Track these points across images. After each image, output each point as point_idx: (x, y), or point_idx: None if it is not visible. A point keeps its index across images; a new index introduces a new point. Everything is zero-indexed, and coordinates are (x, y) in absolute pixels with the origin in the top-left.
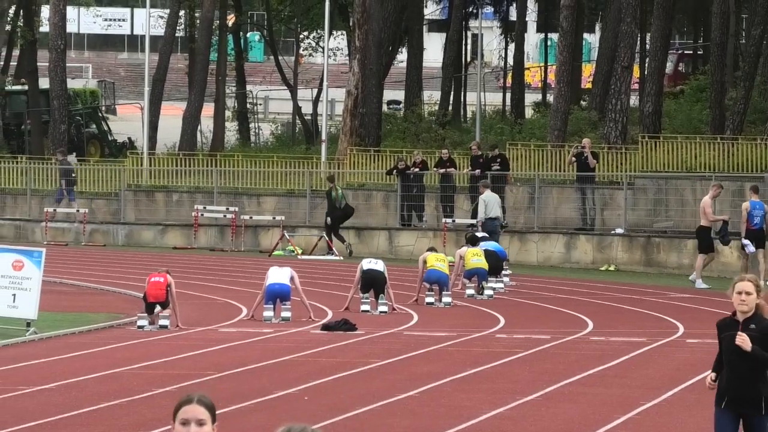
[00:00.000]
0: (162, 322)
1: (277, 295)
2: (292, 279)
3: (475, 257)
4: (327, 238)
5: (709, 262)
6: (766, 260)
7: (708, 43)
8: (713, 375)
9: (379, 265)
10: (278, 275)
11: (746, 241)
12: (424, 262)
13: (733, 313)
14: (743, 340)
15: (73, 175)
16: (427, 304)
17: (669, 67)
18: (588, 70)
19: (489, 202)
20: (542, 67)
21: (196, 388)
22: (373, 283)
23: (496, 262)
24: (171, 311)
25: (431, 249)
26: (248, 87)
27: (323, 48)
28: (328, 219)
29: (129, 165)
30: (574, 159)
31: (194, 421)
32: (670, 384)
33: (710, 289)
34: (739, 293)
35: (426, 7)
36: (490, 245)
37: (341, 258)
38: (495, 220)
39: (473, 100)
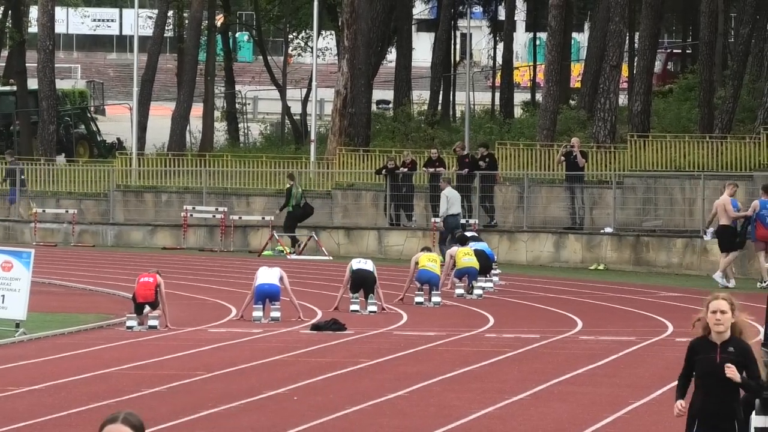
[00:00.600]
0: (151, 322)
1: (267, 296)
2: (281, 279)
3: (466, 257)
4: (286, 235)
5: (732, 260)
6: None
7: (697, 42)
8: (682, 402)
9: (368, 264)
10: (267, 275)
11: (710, 229)
12: (416, 262)
13: (707, 333)
14: (733, 374)
15: (23, 176)
16: (417, 303)
17: (658, 66)
18: (577, 70)
19: (451, 198)
20: (531, 67)
21: (185, 388)
22: (363, 282)
23: (485, 262)
24: (160, 312)
25: (425, 249)
26: (237, 87)
27: (312, 48)
28: (280, 213)
29: (118, 165)
30: (563, 158)
31: None
32: (659, 383)
33: (733, 288)
34: (714, 312)
35: (415, 6)
36: (479, 245)
37: (331, 258)
38: (456, 217)
39: (462, 99)
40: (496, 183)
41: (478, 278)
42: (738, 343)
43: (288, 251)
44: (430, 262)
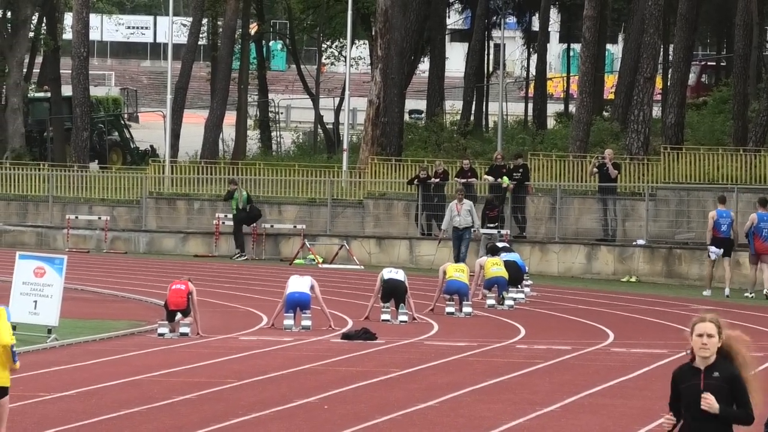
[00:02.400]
0: (183, 329)
1: (297, 304)
2: (312, 288)
3: (495, 266)
4: (240, 239)
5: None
6: (760, 273)
7: (731, 54)
8: (671, 416)
9: (399, 274)
10: (298, 284)
11: (713, 248)
12: (444, 272)
13: (692, 359)
14: (709, 405)
15: None
16: (448, 313)
17: (692, 78)
18: (610, 81)
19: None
20: (564, 78)
21: (216, 396)
22: (393, 292)
23: (516, 273)
24: (192, 319)
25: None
26: (270, 96)
27: (345, 57)
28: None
29: (151, 173)
30: (595, 170)
31: None
32: None
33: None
34: (700, 335)
35: (449, 17)
36: (511, 256)
37: (362, 267)
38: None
39: (495, 110)
40: (528, 194)
41: (509, 289)
42: (725, 368)
43: (319, 260)
44: (457, 272)
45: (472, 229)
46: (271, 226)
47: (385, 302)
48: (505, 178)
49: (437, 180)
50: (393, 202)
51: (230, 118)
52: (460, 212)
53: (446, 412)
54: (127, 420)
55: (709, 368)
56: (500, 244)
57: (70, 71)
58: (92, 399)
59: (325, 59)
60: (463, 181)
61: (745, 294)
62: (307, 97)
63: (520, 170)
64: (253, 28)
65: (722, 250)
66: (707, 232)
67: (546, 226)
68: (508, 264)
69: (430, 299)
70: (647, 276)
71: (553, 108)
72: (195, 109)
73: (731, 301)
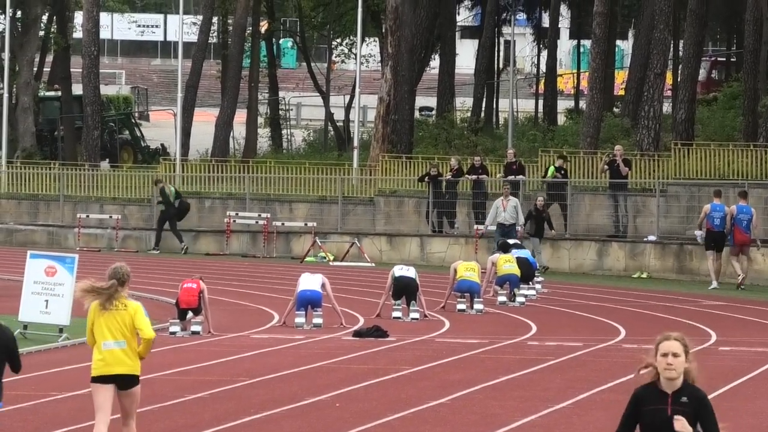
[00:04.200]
0: (194, 328)
1: (309, 302)
2: (323, 286)
3: (507, 263)
4: (164, 232)
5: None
6: (737, 263)
7: (741, 50)
8: None
9: (411, 272)
10: (310, 282)
11: (698, 232)
12: (455, 270)
13: (657, 379)
14: (682, 427)
15: None
16: (459, 311)
17: (702, 74)
18: (621, 77)
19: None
20: (575, 74)
21: (228, 394)
22: (405, 289)
23: (527, 270)
24: (203, 317)
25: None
26: (281, 93)
27: (356, 55)
28: (159, 215)
29: (162, 171)
30: (606, 167)
31: None
32: None
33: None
34: (665, 355)
35: (458, 13)
36: (522, 253)
37: (373, 264)
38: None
39: (506, 106)
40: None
41: (521, 286)
42: (693, 392)
43: (330, 258)
44: (468, 271)
45: (517, 227)
46: (282, 224)
47: (396, 300)
48: (551, 168)
49: (449, 176)
50: (404, 200)
51: (241, 116)
52: (506, 208)
53: (458, 410)
54: (139, 419)
55: (676, 392)
56: (511, 241)
57: (80, 70)
58: None
59: (336, 57)
60: (474, 177)
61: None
62: (318, 94)
63: (562, 171)
64: (264, 26)
65: (703, 231)
66: (698, 223)
67: (557, 223)
68: (519, 261)
69: (441, 296)
70: (658, 272)
71: (563, 104)
72: (206, 107)
73: (744, 296)
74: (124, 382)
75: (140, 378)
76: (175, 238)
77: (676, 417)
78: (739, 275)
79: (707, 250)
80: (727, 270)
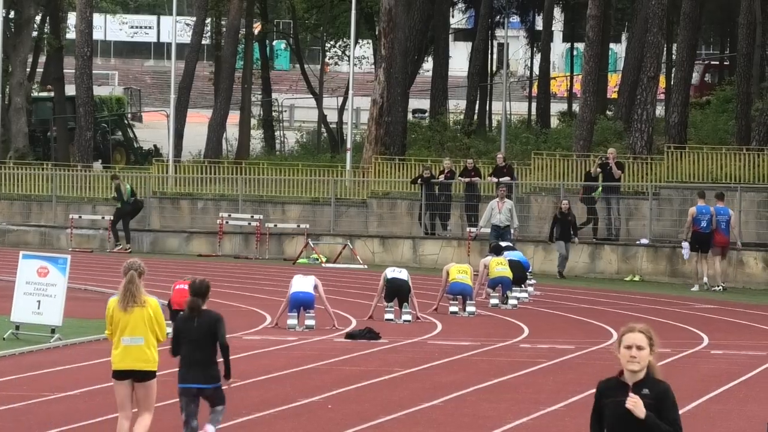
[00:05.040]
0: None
1: (301, 304)
2: (315, 287)
3: (500, 266)
4: (125, 231)
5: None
6: (712, 265)
7: (734, 53)
8: None
9: (403, 273)
10: (302, 284)
11: (685, 245)
12: (447, 273)
13: (619, 373)
14: (635, 403)
15: None
16: (451, 313)
17: (695, 77)
18: (614, 80)
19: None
20: (568, 77)
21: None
22: (397, 292)
23: (520, 272)
24: None
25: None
26: (274, 95)
27: (349, 56)
28: (114, 212)
29: (154, 172)
30: (599, 170)
31: None
32: (694, 395)
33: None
34: (629, 347)
35: (452, 16)
36: (515, 255)
37: (366, 266)
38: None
39: (498, 109)
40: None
41: (513, 288)
42: (654, 385)
43: (323, 260)
44: (460, 273)
45: (512, 229)
46: (275, 225)
47: (389, 302)
48: (599, 191)
49: (442, 179)
50: (396, 202)
51: (234, 117)
52: (501, 210)
53: (450, 412)
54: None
55: (638, 384)
56: (503, 243)
57: (73, 71)
58: (96, 398)
59: (329, 59)
60: (467, 180)
61: (714, 288)
62: (311, 96)
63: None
64: (257, 28)
65: (688, 247)
66: (686, 227)
67: (549, 226)
68: (512, 263)
69: (433, 299)
70: (651, 275)
71: (556, 107)
72: (198, 108)
73: (735, 299)
74: (140, 376)
75: None
76: (123, 238)
77: (630, 394)
78: (704, 278)
79: (691, 251)
80: (708, 271)
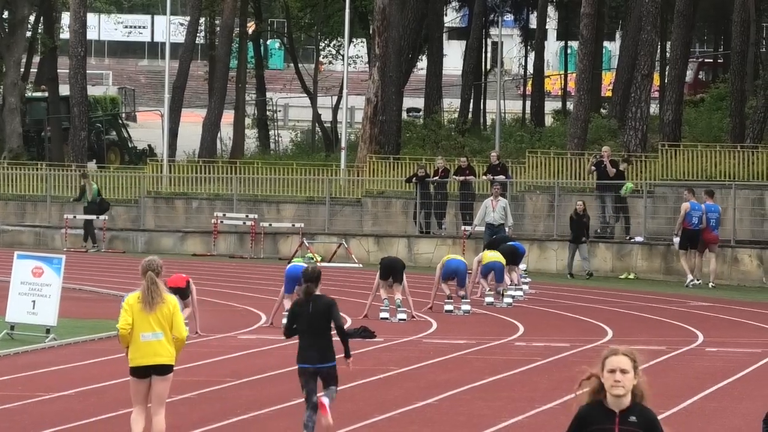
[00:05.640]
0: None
1: (298, 280)
2: None
3: (491, 253)
4: (85, 232)
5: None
6: (707, 262)
7: (728, 51)
8: None
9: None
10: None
11: (676, 240)
12: (442, 264)
13: (602, 397)
14: None
15: None
16: (446, 311)
17: (689, 75)
18: (608, 78)
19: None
20: (562, 75)
21: (214, 395)
22: (391, 269)
23: (515, 255)
24: (190, 312)
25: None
26: (268, 94)
27: (343, 56)
28: (84, 214)
29: (149, 172)
30: (593, 168)
31: None
32: (689, 392)
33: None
34: (612, 371)
35: (446, 14)
36: (513, 244)
37: (360, 265)
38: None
39: (493, 107)
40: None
41: (509, 266)
42: (642, 412)
43: (318, 259)
44: (455, 256)
45: (506, 227)
46: (270, 224)
47: (384, 279)
48: (628, 185)
49: (437, 178)
50: (391, 201)
51: (228, 117)
52: (495, 209)
53: (445, 410)
54: (125, 419)
55: (624, 411)
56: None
57: (67, 71)
58: (91, 398)
59: (323, 58)
60: (461, 179)
61: (691, 284)
62: (305, 95)
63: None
64: (251, 27)
65: (679, 236)
66: (678, 223)
67: (544, 224)
68: (508, 248)
69: (428, 297)
70: (645, 273)
71: (550, 105)
72: (193, 108)
73: (731, 297)
74: (160, 371)
75: (128, 378)
76: (88, 239)
77: None
78: (690, 276)
79: (681, 248)
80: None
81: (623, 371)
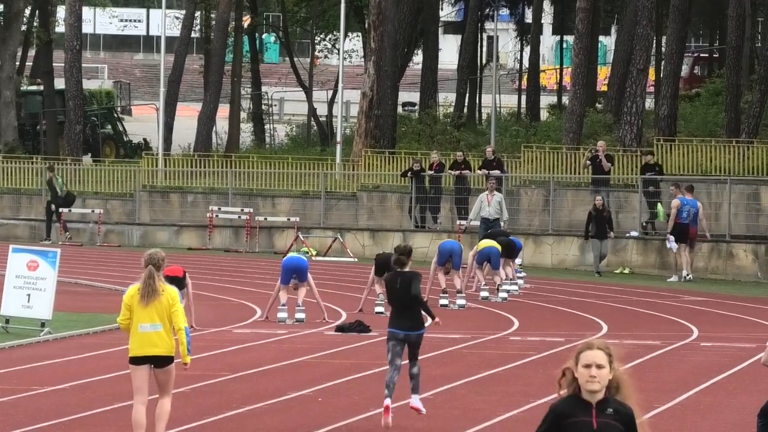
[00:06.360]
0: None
1: (294, 271)
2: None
3: (486, 239)
4: (48, 225)
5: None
6: (689, 255)
7: (724, 46)
8: None
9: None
10: (295, 258)
11: (671, 237)
12: (437, 251)
13: (576, 391)
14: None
15: None
16: (442, 306)
17: (684, 70)
18: (603, 73)
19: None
20: (558, 70)
21: (210, 389)
22: (387, 266)
23: (510, 245)
24: (186, 305)
25: None
26: (263, 88)
27: (339, 50)
28: (52, 206)
29: (144, 166)
30: (588, 163)
31: None
32: (684, 387)
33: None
34: (588, 366)
35: (442, 9)
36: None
37: (356, 259)
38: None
39: (488, 102)
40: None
41: (503, 259)
42: (618, 406)
43: (313, 253)
44: (450, 239)
45: (501, 222)
46: (265, 218)
47: (379, 276)
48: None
49: (431, 172)
50: (386, 195)
51: (223, 110)
52: (491, 203)
53: (440, 404)
54: (121, 413)
55: (600, 403)
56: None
57: (63, 64)
58: (86, 392)
59: (319, 52)
60: (456, 173)
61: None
62: (301, 89)
63: (656, 168)
64: (246, 21)
65: (674, 239)
66: (670, 219)
67: (539, 219)
68: (503, 243)
69: (423, 292)
70: (640, 267)
71: (546, 100)
72: (188, 101)
73: (725, 291)
74: (159, 362)
75: (125, 372)
76: (55, 231)
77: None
78: (684, 270)
79: (676, 243)
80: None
81: (599, 366)
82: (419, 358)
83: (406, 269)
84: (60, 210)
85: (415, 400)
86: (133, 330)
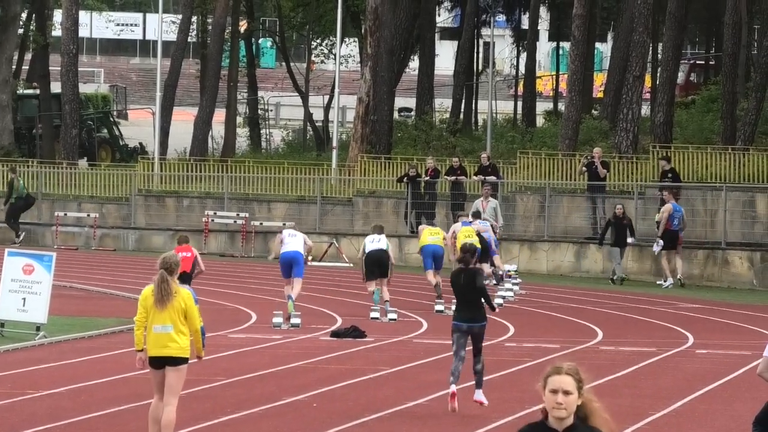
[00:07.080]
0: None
1: (291, 262)
2: (304, 242)
3: (467, 233)
4: (8, 226)
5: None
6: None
7: (720, 53)
8: None
9: (381, 242)
10: (292, 243)
11: (660, 242)
12: (420, 234)
13: (544, 416)
14: None
15: None
16: (437, 311)
17: (680, 77)
18: (600, 80)
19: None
20: (554, 76)
21: (205, 393)
22: (378, 265)
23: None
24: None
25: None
26: (260, 93)
27: (335, 55)
28: (8, 207)
29: (140, 170)
30: (584, 169)
31: None
32: (679, 394)
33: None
34: (554, 392)
35: (438, 15)
36: (486, 233)
37: (351, 265)
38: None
39: (484, 108)
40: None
41: (500, 285)
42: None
43: (309, 258)
44: (432, 236)
45: (497, 228)
46: (261, 223)
47: (371, 279)
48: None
49: (427, 178)
50: (382, 200)
51: (219, 115)
52: (486, 210)
53: (436, 410)
54: (116, 417)
55: (568, 430)
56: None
57: (59, 68)
58: (81, 396)
59: (315, 57)
60: (452, 179)
61: (670, 285)
62: (297, 94)
63: (669, 175)
64: (243, 26)
65: (662, 244)
66: (661, 225)
67: (535, 225)
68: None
69: (418, 297)
70: (636, 274)
71: (542, 106)
72: (184, 106)
73: (721, 299)
74: (171, 362)
75: (120, 377)
76: (18, 232)
77: None
78: (677, 272)
79: (664, 250)
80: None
81: (566, 392)
82: (482, 352)
83: (470, 266)
84: (18, 212)
85: (479, 394)
86: (149, 330)
